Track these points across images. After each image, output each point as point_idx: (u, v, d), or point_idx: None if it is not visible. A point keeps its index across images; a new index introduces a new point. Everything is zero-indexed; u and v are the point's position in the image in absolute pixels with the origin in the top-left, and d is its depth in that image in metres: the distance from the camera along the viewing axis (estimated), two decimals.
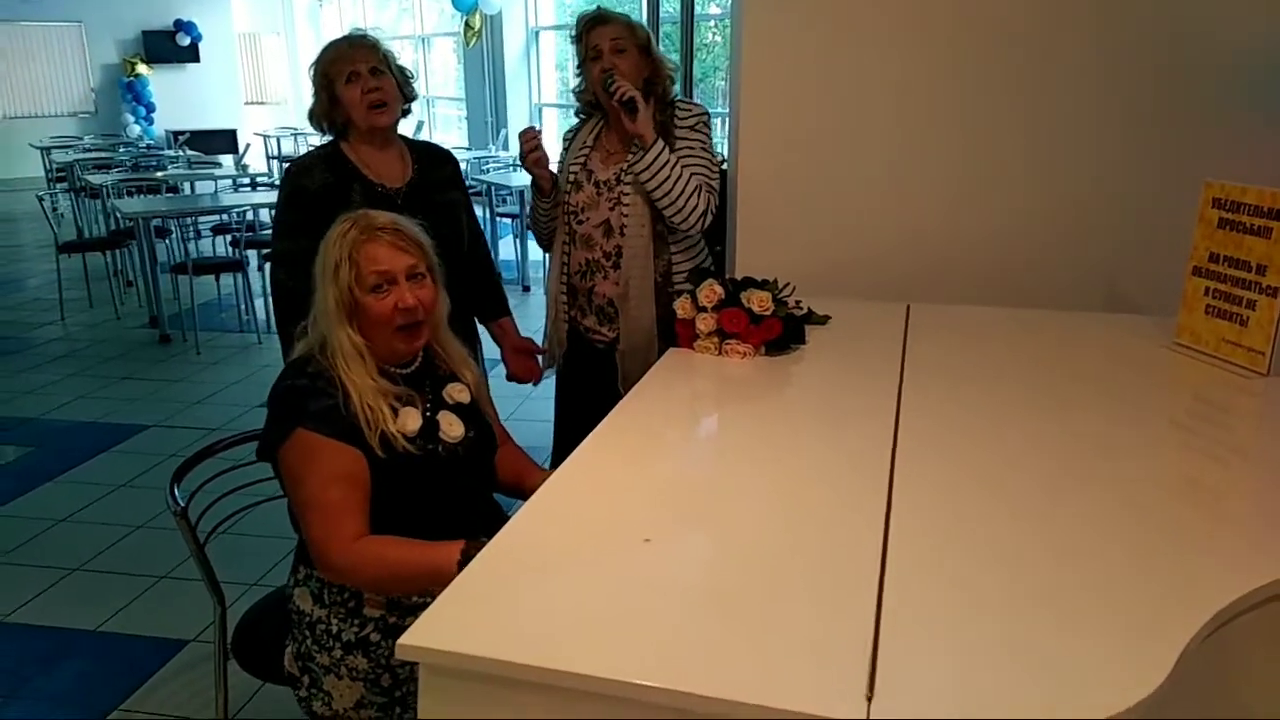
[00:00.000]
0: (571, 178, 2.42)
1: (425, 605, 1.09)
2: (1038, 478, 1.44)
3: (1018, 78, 2.38)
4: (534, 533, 1.28)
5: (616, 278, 2.37)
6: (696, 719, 0.93)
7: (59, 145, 10.41)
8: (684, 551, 1.28)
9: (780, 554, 1.22)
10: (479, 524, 1.55)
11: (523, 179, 6.20)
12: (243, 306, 6.07)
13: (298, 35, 14.43)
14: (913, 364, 1.93)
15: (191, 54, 13.30)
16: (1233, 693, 1.21)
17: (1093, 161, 2.40)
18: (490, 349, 2.55)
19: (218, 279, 6.37)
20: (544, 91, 10.63)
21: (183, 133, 11.91)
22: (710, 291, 2.03)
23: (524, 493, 1.71)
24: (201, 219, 7.38)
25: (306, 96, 2.35)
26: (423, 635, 1.02)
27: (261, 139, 11.59)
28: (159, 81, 13.06)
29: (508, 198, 7.40)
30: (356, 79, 2.22)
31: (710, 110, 2.46)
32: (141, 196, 6.78)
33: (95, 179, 7.22)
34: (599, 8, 2.38)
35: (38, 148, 10.41)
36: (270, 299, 2.31)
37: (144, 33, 12.95)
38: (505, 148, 9.51)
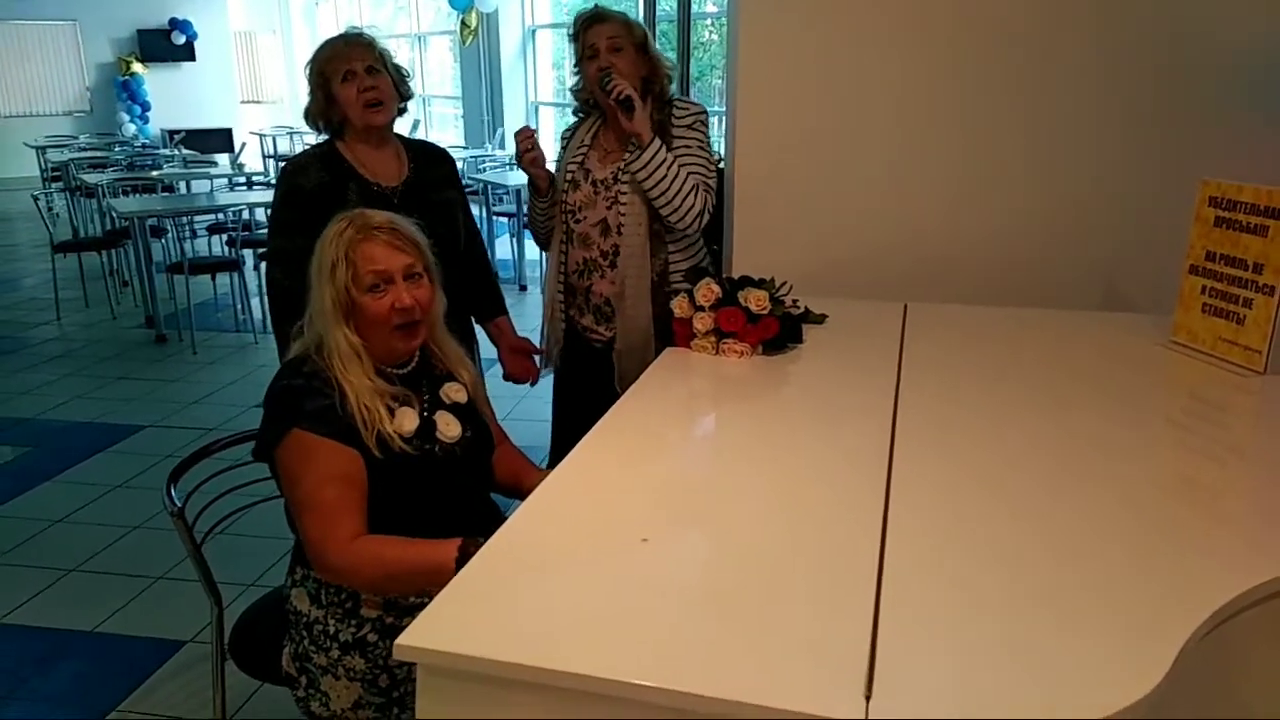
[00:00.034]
0: (569, 176, 2.41)
1: (422, 606, 1.09)
2: (1035, 476, 1.44)
3: (1017, 78, 2.38)
4: (531, 532, 1.28)
5: (613, 277, 2.37)
6: (695, 719, 0.93)
7: (54, 144, 10.39)
8: (682, 551, 1.27)
9: (778, 553, 1.22)
10: (476, 524, 1.55)
11: (519, 178, 6.21)
12: (239, 306, 6.06)
13: (294, 34, 14.41)
14: (910, 363, 1.93)
15: (187, 53, 13.28)
16: (1232, 691, 1.22)
17: (1092, 161, 2.40)
18: (487, 348, 2.55)
19: (214, 278, 6.36)
20: (540, 90, 10.62)
21: (178, 132, 11.89)
22: (707, 290, 2.03)
23: (521, 493, 1.70)
24: (197, 218, 7.37)
25: (302, 95, 2.34)
26: (420, 635, 1.02)
27: (257, 138, 11.57)
28: (154, 80, 13.04)
29: (504, 196, 7.40)
30: (352, 78, 2.21)
31: (707, 109, 2.45)
32: (137, 196, 6.77)
33: (90, 178, 7.21)
34: (596, 6, 2.38)
35: (33, 147, 10.39)
36: (266, 298, 2.30)
37: (139, 31, 12.92)
38: (501, 146, 9.51)
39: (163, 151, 10.15)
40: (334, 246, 1.58)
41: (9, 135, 11.75)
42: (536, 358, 2.55)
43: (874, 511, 1.29)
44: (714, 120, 2.50)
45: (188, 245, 7.13)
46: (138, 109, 12.93)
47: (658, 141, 2.25)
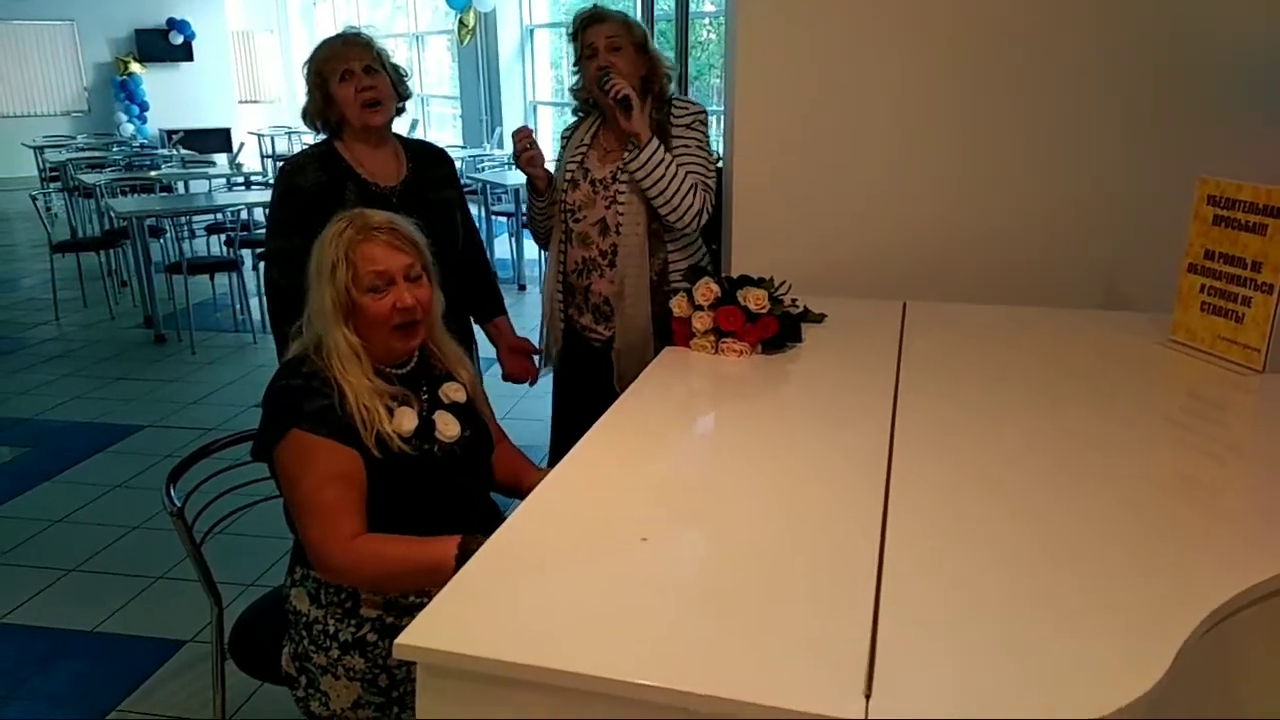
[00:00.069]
0: (568, 176, 2.41)
1: (422, 605, 1.09)
2: (1034, 475, 1.44)
3: (1017, 78, 2.38)
4: (531, 532, 1.28)
5: (612, 276, 2.37)
6: (695, 718, 0.93)
7: (52, 145, 10.39)
8: (681, 550, 1.28)
9: (778, 552, 1.22)
10: (476, 524, 1.55)
11: (518, 177, 6.20)
12: (238, 306, 6.06)
13: (291, 33, 14.41)
14: (909, 362, 1.93)
15: (185, 52, 13.27)
16: (1231, 689, 1.22)
17: (1092, 161, 2.40)
18: (486, 348, 2.55)
19: (212, 278, 6.36)
20: (539, 90, 10.62)
21: (176, 132, 11.89)
22: (707, 290, 2.03)
23: (521, 492, 1.70)
24: (196, 218, 7.37)
25: (300, 95, 2.34)
26: (420, 635, 1.02)
27: (255, 138, 11.57)
28: (152, 80, 13.03)
29: (503, 196, 7.40)
30: (350, 77, 2.21)
31: (707, 108, 2.45)
32: (135, 196, 6.76)
33: (89, 178, 7.20)
34: (595, 5, 2.38)
35: (31, 147, 10.39)
36: (264, 298, 2.30)
37: (137, 31, 12.92)
38: (500, 146, 9.50)
39: (161, 151, 10.15)
40: (334, 247, 1.58)
41: (7, 135, 11.74)
42: (535, 357, 2.56)
43: (873, 510, 1.29)
44: (712, 119, 2.49)
45: (186, 245, 7.13)
46: (136, 109, 12.93)
47: (656, 141, 2.25)
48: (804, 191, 2.54)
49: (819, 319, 2.18)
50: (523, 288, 6.83)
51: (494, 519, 1.66)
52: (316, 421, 1.52)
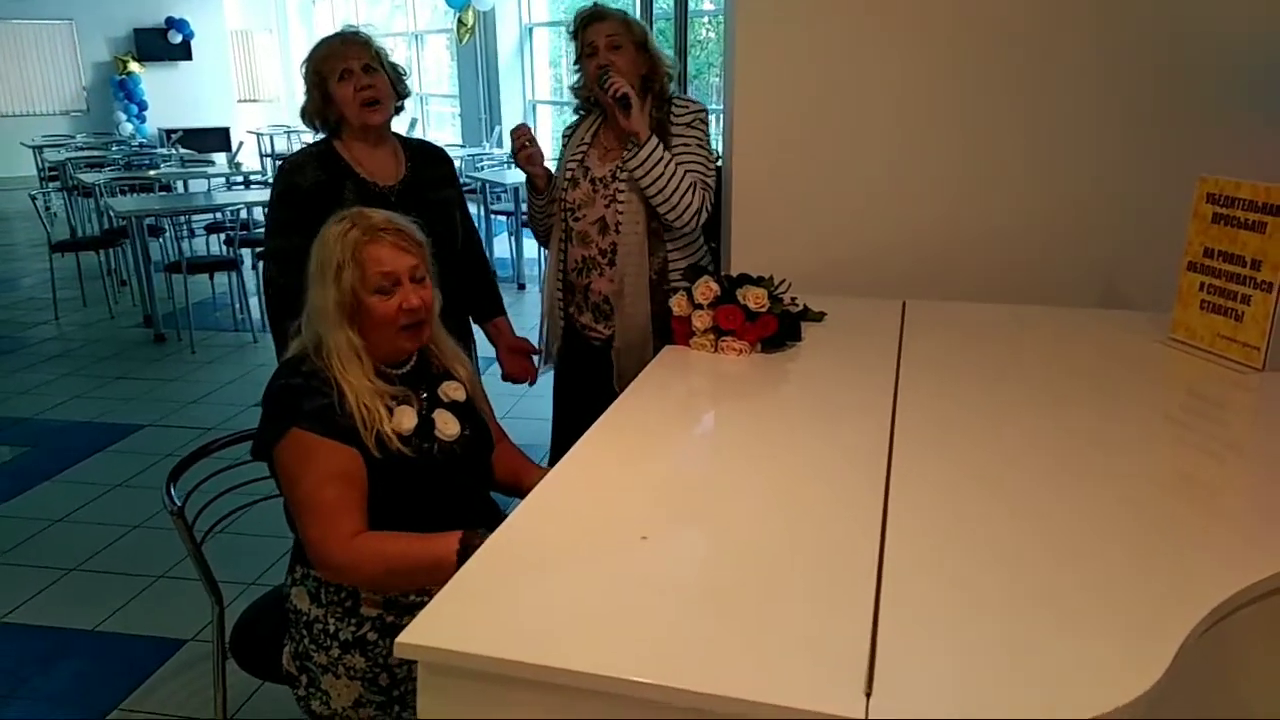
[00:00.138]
0: (569, 174, 2.41)
1: (422, 604, 1.09)
2: (1033, 474, 1.44)
3: (1017, 78, 2.38)
4: (531, 530, 1.28)
5: (612, 275, 2.37)
6: (697, 717, 0.93)
7: (51, 144, 10.39)
8: (681, 549, 1.28)
9: (778, 551, 1.23)
10: (476, 522, 1.55)
11: (517, 176, 6.20)
12: (237, 305, 6.06)
13: (290, 32, 14.39)
14: (909, 360, 1.93)
15: (183, 51, 13.27)
16: (1231, 688, 1.22)
17: (1092, 161, 2.40)
18: (485, 348, 2.55)
19: (212, 278, 6.36)
20: (538, 88, 10.61)
21: (175, 131, 11.89)
22: (706, 288, 2.03)
23: (521, 491, 1.71)
24: (195, 217, 7.37)
25: (299, 94, 2.34)
26: (421, 634, 1.02)
27: (254, 137, 11.56)
28: (151, 79, 13.02)
29: (502, 195, 7.40)
30: (349, 76, 2.21)
31: (707, 107, 2.45)
32: (134, 195, 6.76)
33: (88, 178, 7.20)
34: (596, 4, 2.38)
35: (30, 146, 10.39)
36: (263, 297, 2.30)
37: (135, 30, 12.91)
38: (499, 145, 9.50)
39: (160, 151, 10.16)
40: (339, 248, 1.57)
41: (6, 135, 11.73)
42: (535, 357, 2.56)
43: (873, 509, 1.29)
44: (712, 118, 2.49)
45: (185, 244, 7.13)
46: (134, 108, 12.92)
47: (655, 139, 2.25)
48: (803, 190, 2.54)
49: (819, 318, 2.19)
50: (522, 287, 6.83)
51: (494, 518, 1.66)
52: (316, 420, 1.52)
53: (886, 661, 0.96)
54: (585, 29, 2.34)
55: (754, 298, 1.99)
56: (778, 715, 0.90)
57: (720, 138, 2.68)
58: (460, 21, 10.23)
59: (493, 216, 7.49)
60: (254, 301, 5.93)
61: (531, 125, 2.46)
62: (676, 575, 1.19)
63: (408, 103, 2.42)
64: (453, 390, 1.71)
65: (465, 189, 2.77)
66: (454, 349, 1.77)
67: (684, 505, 1.39)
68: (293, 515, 1.57)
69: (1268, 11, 2.25)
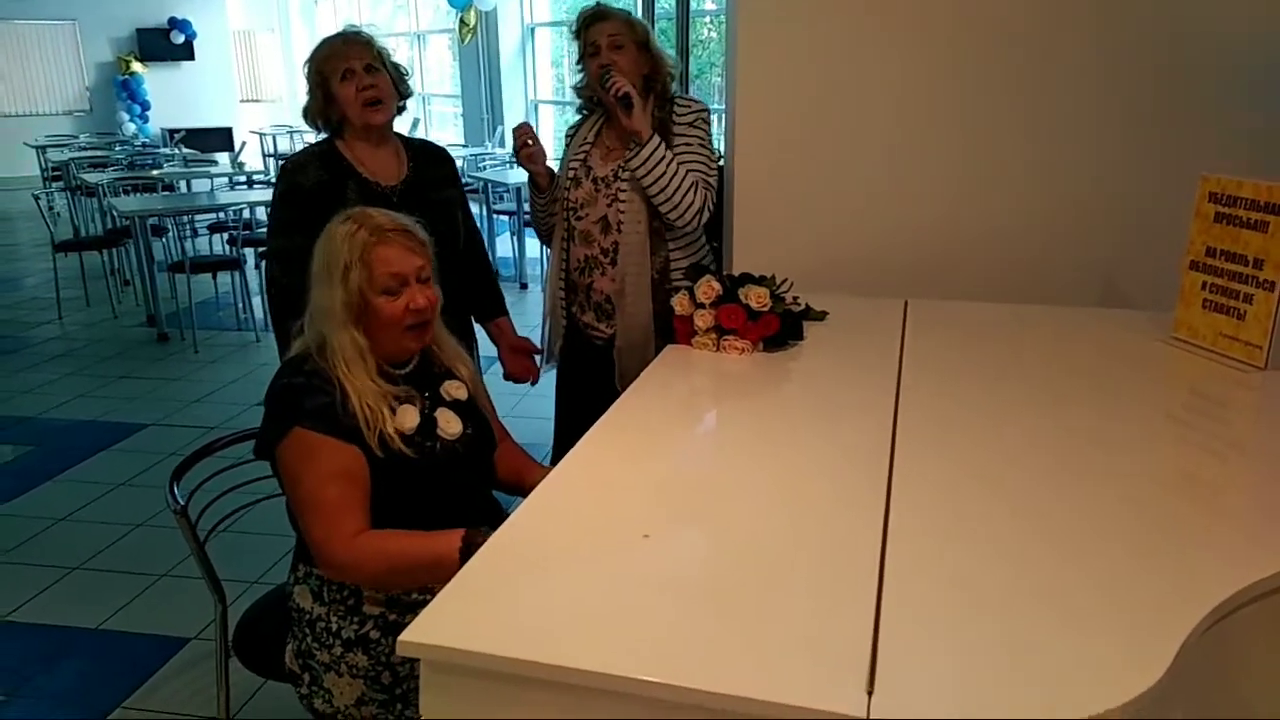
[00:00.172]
0: (571, 174, 2.42)
1: (424, 602, 1.09)
2: (1035, 473, 1.44)
3: (1017, 78, 2.38)
4: (534, 529, 1.29)
5: (614, 274, 2.37)
6: (698, 715, 0.94)
7: (54, 144, 10.39)
8: (683, 547, 1.28)
9: (779, 549, 1.23)
10: (479, 521, 1.55)
11: (519, 176, 6.20)
12: (240, 304, 6.07)
13: (293, 32, 14.40)
14: (910, 360, 1.93)
15: (186, 52, 13.28)
16: (1232, 686, 1.22)
17: (1092, 161, 2.40)
18: (486, 347, 2.55)
19: (215, 277, 6.36)
20: (540, 88, 10.61)
21: (178, 131, 11.90)
22: (708, 288, 2.03)
23: (523, 490, 1.71)
24: (198, 217, 7.38)
25: (302, 94, 2.34)
26: (423, 632, 1.02)
27: (257, 136, 11.57)
28: (154, 79, 13.03)
29: (504, 195, 7.40)
30: (351, 76, 2.22)
31: (709, 106, 2.45)
32: (138, 195, 6.77)
33: (91, 177, 7.21)
34: (598, 3, 2.38)
35: (33, 146, 10.39)
36: (265, 296, 2.31)
37: (138, 30, 12.92)
38: (501, 145, 9.50)
39: (163, 150, 10.16)
40: (346, 249, 1.57)
41: (9, 135, 11.75)
42: (537, 357, 2.56)
43: (875, 508, 1.29)
44: (714, 118, 2.49)
45: (189, 244, 7.14)
46: (137, 108, 12.93)
47: (656, 139, 2.25)
48: (805, 190, 2.54)
49: (820, 317, 2.19)
50: (524, 286, 6.83)
51: (497, 516, 1.67)
52: (319, 419, 1.53)
53: (888, 660, 0.96)
54: (588, 28, 2.34)
55: (756, 297, 1.99)
56: (779, 714, 0.90)
57: (722, 137, 2.69)
58: (462, 21, 10.23)
59: (495, 216, 7.49)
60: (257, 301, 5.94)
61: (534, 125, 2.46)
62: (678, 574, 1.19)
63: (410, 103, 2.42)
64: (455, 389, 1.72)
65: (468, 188, 2.77)
66: (455, 348, 1.77)
67: (686, 504, 1.39)
68: (295, 514, 1.58)
69: (1268, 11, 2.25)
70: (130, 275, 6.81)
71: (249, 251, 6.34)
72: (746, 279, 2.05)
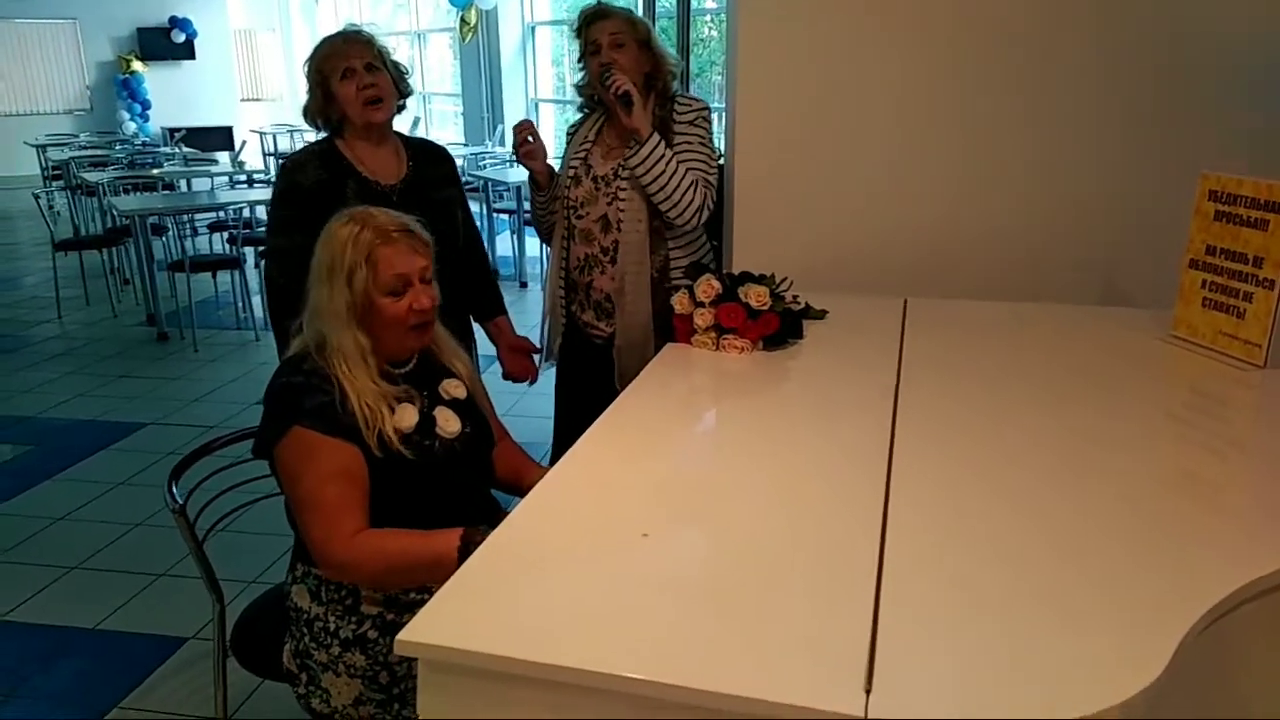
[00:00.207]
0: (571, 172, 2.42)
1: (423, 602, 1.09)
2: (1035, 472, 1.44)
3: (1018, 78, 2.38)
4: (532, 528, 1.28)
5: (613, 272, 2.37)
6: (696, 715, 0.93)
7: (54, 143, 10.40)
8: (682, 546, 1.28)
9: (778, 549, 1.22)
10: (478, 520, 1.55)
11: (519, 175, 6.20)
12: (240, 304, 6.06)
13: (293, 31, 14.40)
14: (910, 358, 1.93)
15: (187, 51, 13.28)
16: (1232, 684, 1.22)
17: (1092, 161, 2.39)
18: (485, 346, 2.55)
19: (215, 276, 6.36)
20: (540, 87, 10.61)
21: (178, 130, 11.89)
22: (708, 286, 2.03)
23: (522, 489, 1.70)
24: (198, 216, 7.38)
25: (302, 93, 2.34)
26: (421, 631, 1.02)
27: (258, 135, 11.56)
28: (154, 78, 13.04)
29: (504, 194, 7.40)
30: (351, 75, 2.21)
31: (710, 105, 2.45)
32: (138, 194, 6.77)
33: (91, 176, 7.21)
34: (599, 2, 2.38)
35: (33, 145, 10.39)
36: (265, 295, 2.31)
37: (139, 30, 12.93)
38: (501, 144, 9.50)
39: (163, 149, 10.16)
40: (351, 250, 1.57)
41: (9, 134, 11.75)
42: (536, 356, 2.56)
43: (874, 507, 1.29)
44: (714, 116, 2.49)
45: (189, 243, 7.15)
46: (138, 107, 12.94)
47: (656, 137, 2.25)
48: (805, 189, 2.53)
49: (820, 315, 2.18)
50: (524, 285, 6.83)
51: (495, 515, 1.66)
52: (318, 419, 1.52)
53: (886, 659, 0.96)
54: (589, 27, 2.34)
55: (755, 296, 1.99)
56: (777, 713, 0.90)
57: (722, 136, 2.68)
58: (463, 20, 10.23)
59: (495, 215, 7.49)
60: (256, 300, 5.94)
61: (534, 124, 2.46)
62: (677, 573, 1.19)
63: (410, 101, 2.42)
64: (453, 388, 1.72)
65: (468, 187, 2.77)
66: (452, 345, 1.77)
67: (685, 503, 1.39)
68: (294, 513, 1.57)
69: (1268, 11, 2.25)
70: (130, 274, 6.81)
71: (249, 250, 6.34)
72: (746, 278, 2.05)
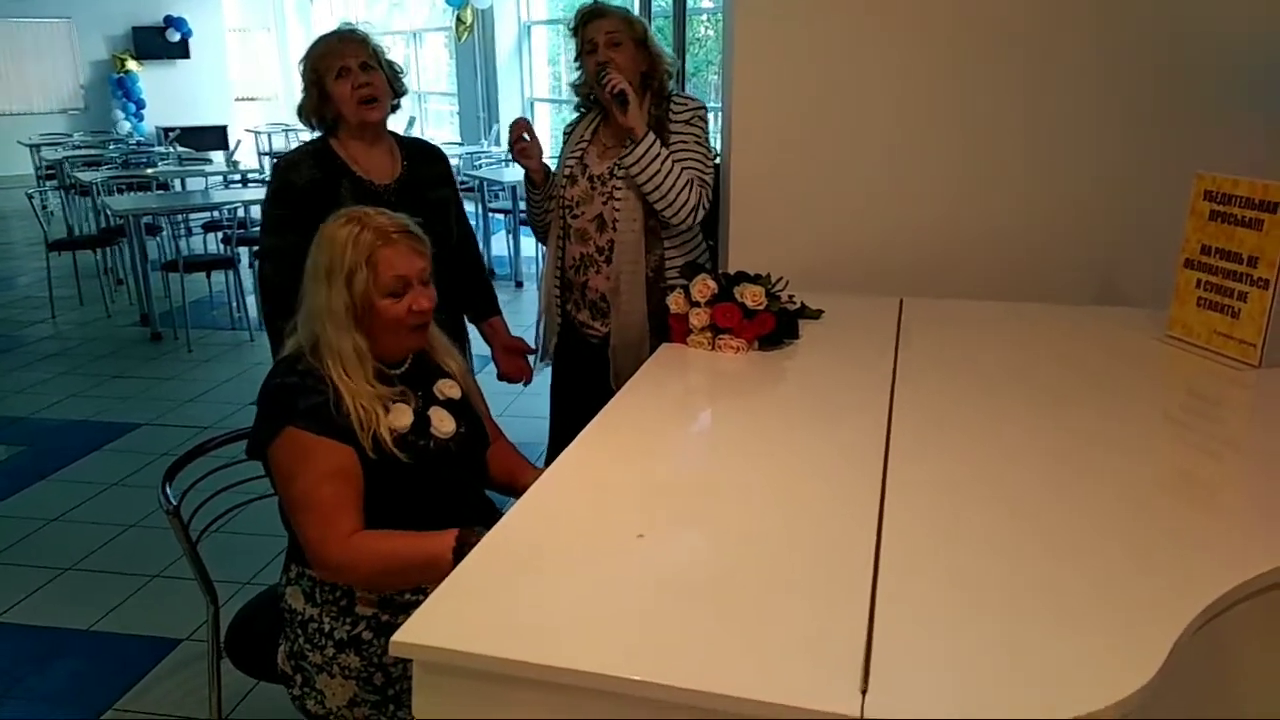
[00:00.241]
0: (567, 171, 2.41)
1: (418, 603, 1.09)
2: (1030, 472, 1.44)
3: (1018, 78, 2.38)
4: (527, 529, 1.28)
5: (609, 272, 2.36)
6: (692, 715, 0.93)
7: (48, 142, 10.37)
8: (678, 547, 1.27)
9: (774, 549, 1.22)
10: (472, 520, 1.55)
11: (515, 174, 6.19)
12: (234, 304, 6.05)
13: (288, 30, 14.38)
14: (906, 358, 1.93)
15: (181, 50, 13.25)
16: (1227, 683, 1.22)
17: (1092, 161, 2.39)
18: (480, 346, 2.55)
19: (209, 276, 6.34)
20: (536, 86, 10.61)
21: (173, 129, 11.87)
22: (703, 286, 2.03)
23: (517, 490, 1.70)
24: (192, 216, 7.35)
25: (297, 92, 2.34)
26: (416, 632, 1.02)
27: (252, 135, 11.54)
28: (149, 78, 13.00)
29: (500, 193, 7.39)
30: (347, 74, 2.21)
31: (706, 104, 2.45)
32: (132, 194, 6.75)
33: (85, 176, 7.19)
34: (596, 1, 2.38)
35: (27, 145, 10.36)
36: (258, 294, 2.30)
37: (134, 29, 12.89)
38: (497, 143, 9.49)
39: (157, 149, 10.14)
40: (351, 252, 1.56)
41: (3, 133, 11.69)
42: (531, 357, 2.55)
43: (870, 507, 1.29)
44: (710, 116, 2.49)
45: (183, 243, 7.12)
46: (132, 106, 12.90)
47: (651, 136, 2.25)
48: (801, 188, 2.53)
49: (816, 315, 2.18)
50: (520, 284, 6.83)
51: (490, 515, 1.66)
52: (312, 419, 1.52)
53: (882, 659, 0.96)
54: (585, 26, 2.34)
55: (751, 295, 1.99)
56: (773, 713, 0.90)
57: (719, 135, 2.68)
58: (459, 19, 10.22)
59: (491, 215, 7.48)
60: (251, 300, 5.93)
61: (530, 121, 2.46)
62: (673, 574, 1.18)
63: (406, 100, 2.41)
64: (448, 388, 1.71)
65: (463, 187, 2.77)
66: (445, 344, 1.77)
67: (680, 503, 1.39)
68: (288, 514, 1.57)
69: (1268, 11, 2.25)
70: (124, 274, 6.79)
71: (243, 250, 6.32)
72: (742, 277, 2.05)
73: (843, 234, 2.54)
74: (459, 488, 1.69)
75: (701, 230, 2.47)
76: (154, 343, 5.61)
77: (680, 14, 4.23)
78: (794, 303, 2.09)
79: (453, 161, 2.53)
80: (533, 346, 2.56)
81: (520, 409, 3.72)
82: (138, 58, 12.91)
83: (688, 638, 1.02)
